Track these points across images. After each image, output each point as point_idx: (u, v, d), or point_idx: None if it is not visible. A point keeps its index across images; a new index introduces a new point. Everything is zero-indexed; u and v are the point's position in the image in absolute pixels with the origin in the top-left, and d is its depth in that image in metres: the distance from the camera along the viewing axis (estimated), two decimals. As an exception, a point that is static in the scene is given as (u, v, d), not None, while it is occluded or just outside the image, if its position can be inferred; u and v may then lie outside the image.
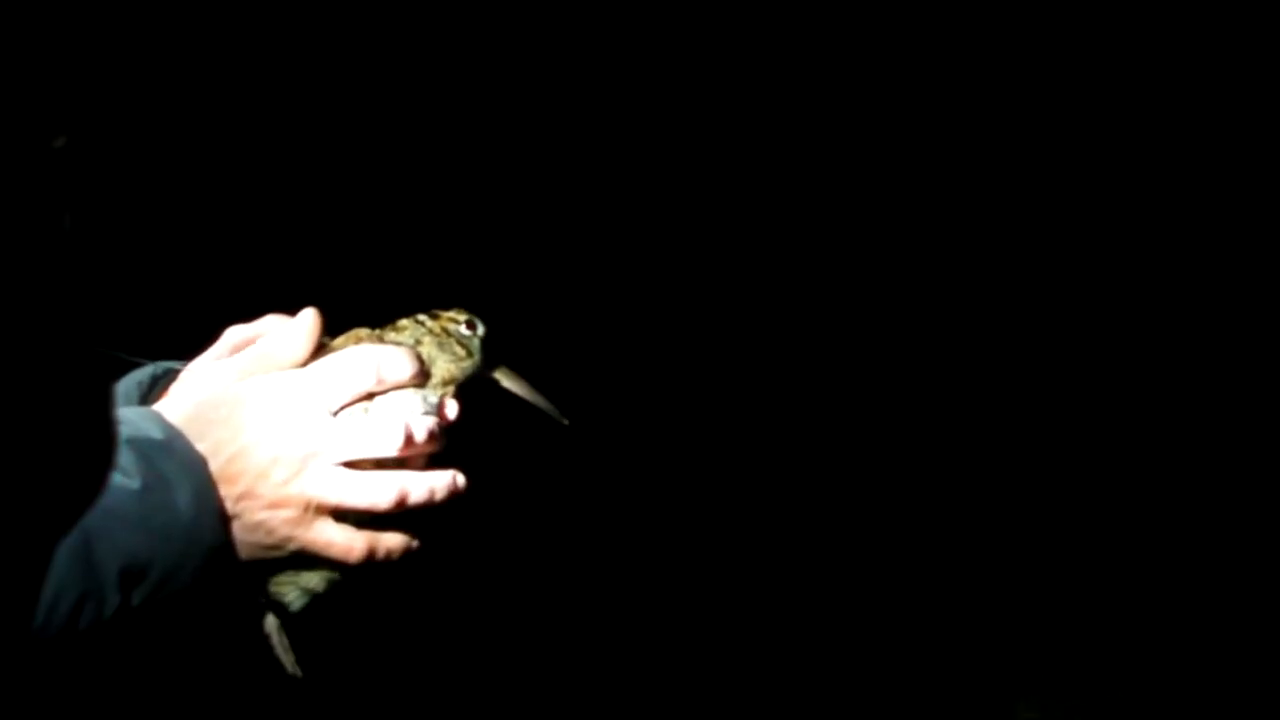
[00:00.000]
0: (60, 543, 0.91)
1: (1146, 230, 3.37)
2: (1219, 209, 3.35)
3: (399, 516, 1.16)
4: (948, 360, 3.42)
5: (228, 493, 1.10)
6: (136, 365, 1.24)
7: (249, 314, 1.22)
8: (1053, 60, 3.29)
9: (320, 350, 1.18)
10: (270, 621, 1.19)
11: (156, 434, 1.07)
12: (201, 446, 1.09)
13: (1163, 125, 3.31)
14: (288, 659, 1.19)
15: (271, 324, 1.19)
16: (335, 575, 1.18)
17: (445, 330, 1.23)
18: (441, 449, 1.19)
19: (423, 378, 1.19)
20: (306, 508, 1.13)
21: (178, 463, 1.06)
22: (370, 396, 1.16)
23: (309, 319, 1.18)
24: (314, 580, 1.17)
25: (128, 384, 1.25)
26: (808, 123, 3.33)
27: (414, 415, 1.16)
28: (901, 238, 3.42)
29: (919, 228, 3.42)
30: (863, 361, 3.42)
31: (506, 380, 1.28)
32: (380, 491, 1.14)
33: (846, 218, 3.40)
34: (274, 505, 1.12)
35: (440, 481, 1.17)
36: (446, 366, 1.22)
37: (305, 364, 1.17)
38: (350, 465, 1.14)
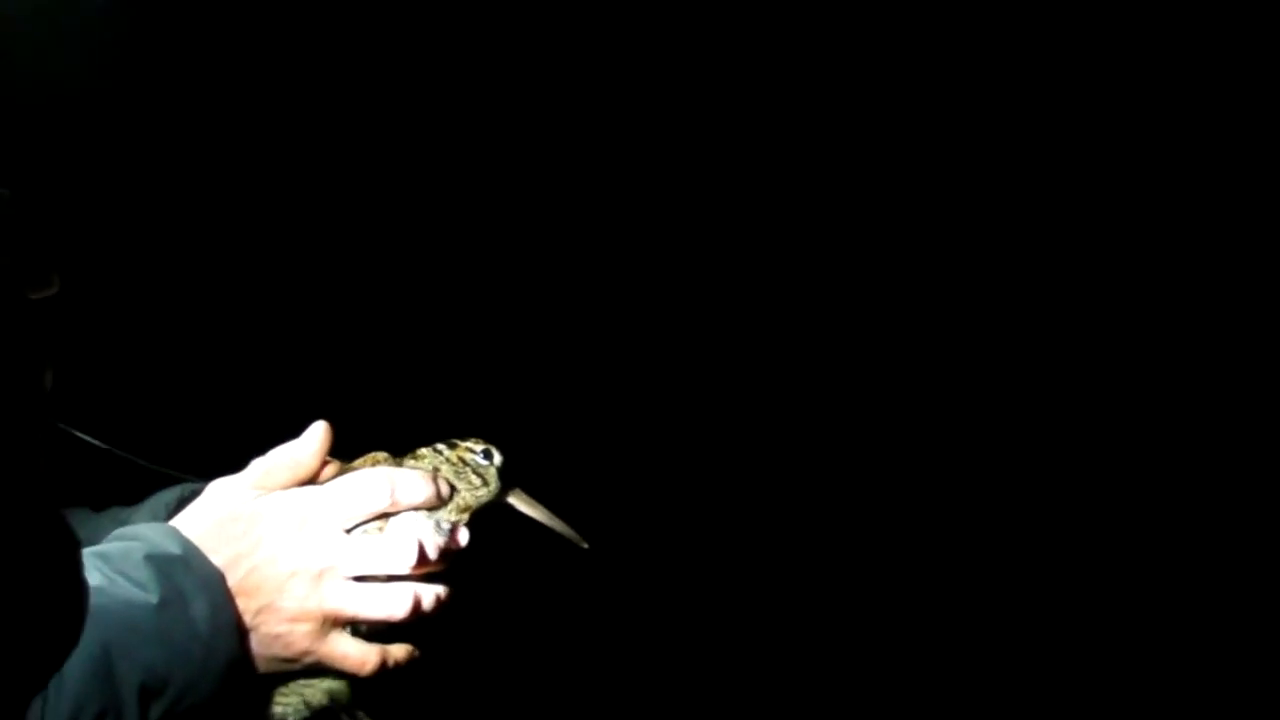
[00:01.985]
0: (33, 702, 0.94)
1: (1146, 230, 3.37)
2: (1219, 209, 3.34)
3: (407, 626, 1.19)
4: (948, 361, 3.40)
5: (245, 606, 1.13)
6: (177, 480, 1.28)
7: (279, 434, 1.26)
8: (1053, 60, 3.31)
9: (339, 472, 1.22)
10: None
11: (174, 549, 1.10)
12: (218, 560, 1.12)
13: (1163, 125, 3.32)
14: None
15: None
16: (339, 688, 1.20)
17: (462, 460, 1.26)
18: (445, 572, 1.22)
19: (439, 501, 1.22)
20: (325, 621, 1.16)
21: (195, 577, 1.09)
22: (386, 517, 1.19)
23: (319, 432, 1.22)
24: (317, 693, 1.20)
25: (155, 503, 1.29)
26: (808, 125, 3.35)
27: (427, 534, 1.20)
28: (901, 238, 3.42)
29: (919, 228, 3.42)
30: (863, 366, 3.41)
31: (525, 507, 1.31)
32: (396, 602, 1.17)
33: (846, 220, 3.40)
34: (294, 619, 1.15)
35: (442, 590, 1.21)
36: (463, 495, 1.25)
37: (323, 482, 1.21)
38: (361, 580, 1.17)
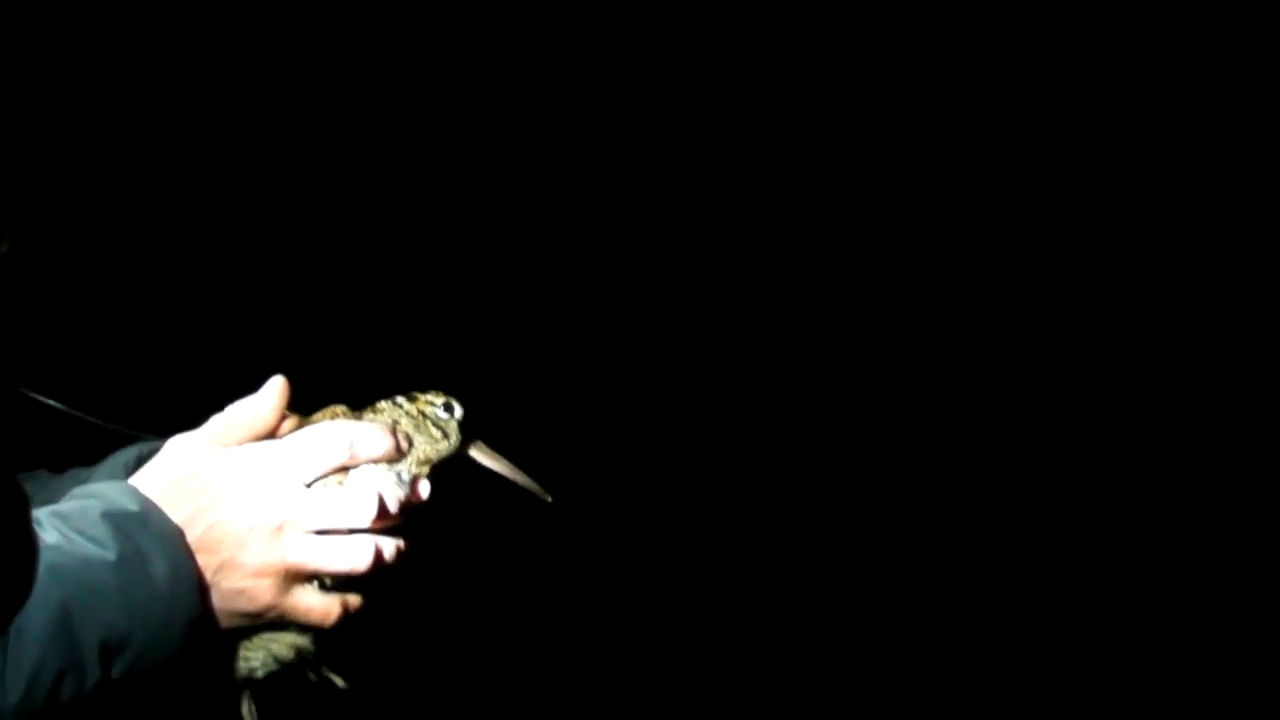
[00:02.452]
0: None
1: (1146, 231, 3.38)
2: (1219, 209, 3.36)
3: (368, 578, 1.19)
4: (950, 363, 3.42)
5: (206, 562, 1.12)
6: (135, 438, 1.27)
7: (236, 389, 1.25)
8: (1053, 60, 3.32)
9: (298, 426, 1.22)
10: (239, 690, 1.21)
11: (132, 506, 1.09)
12: (177, 517, 1.11)
13: (1163, 125, 3.33)
14: None
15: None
16: (304, 642, 1.20)
17: (422, 413, 1.25)
18: (406, 524, 1.22)
19: (398, 455, 1.22)
20: (286, 575, 1.15)
21: (154, 534, 1.08)
22: (345, 470, 1.19)
23: (276, 387, 1.21)
24: (282, 647, 1.20)
25: (114, 463, 1.28)
26: (808, 126, 3.35)
27: (387, 488, 1.19)
28: (902, 239, 3.43)
29: (919, 229, 3.43)
30: (866, 367, 3.42)
31: (487, 460, 1.30)
32: (357, 555, 1.17)
33: (846, 221, 3.41)
34: (256, 573, 1.14)
35: (403, 542, 1.21)
36: (423, 448, 1.24)
37: (281, 436, 1.20)
38: (321, 534, 1.17)
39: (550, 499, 1.30)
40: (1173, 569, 3.27)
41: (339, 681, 1.24)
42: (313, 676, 1.24)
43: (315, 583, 1.17)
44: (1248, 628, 3.18)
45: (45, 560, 1.01)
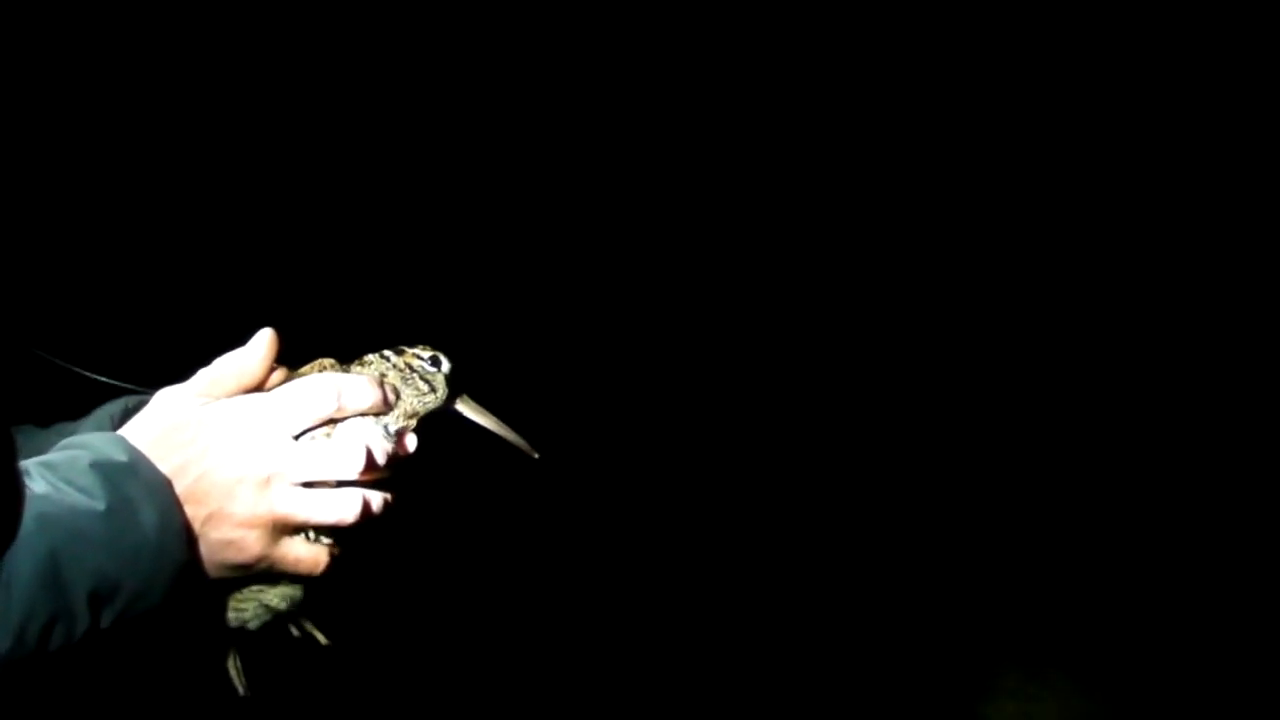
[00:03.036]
0: None
1: (1146, 231, 3.39)
2: (1219, 209, 3.37)
3: (355, 528, 1.20)
4: (948, 362, 3.43)
5: (194, 513, 1.13)
6: (123, 390, 1.27)
7: (225, 343, 1.25)
8: (1053, 60, 3.31)
9: (286, 379, 1.22)
10: (227, 642, 1.22)
11: (120, 457, 1.09)
12: (166, 468, 1.12)
13: (1163, 125, 3.33)
14: (240, 681, 1.22)
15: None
16: (294, 592, 1.21)
17: (409, 366, 1.26)
18: (392, 476, 1.23)
19: (385, 407, 1.22)
20: (276, 525, 1.16)
21: (142, 484, 1.09)
22: (333, 423, 1.19)
23: (265, 339, 1.22)
24: (274, 597, 1.21)
25: (101, 415, 1.29)
26: (808, 125, 3.35)
27: (374, 440, 1.20)
28: (902, 239, 3.43)
29: (919, 229, 3.43)
30: (863, 364, 3.43)
31: (473, 414, 1.31)
32: (345, 507, 1.18)
33: (846, 220, 3.41)
34: (245, 524, 1.15)
35: (389, 494, 1.22)
36: (410, 401, 1.25)
37: (270, 389, 1.21)
38: (309, 486, 1.18)
39: (536, 455, 1.31)
40: (1179, 553, 3.29)
41: (322, 639, 1.25)
42: (297, 632, 1.25)
43: (303, 534, 1.18)
44: (1253, 617, 3.19)
45: (34, 509, 1.02)
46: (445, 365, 1.28)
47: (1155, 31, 3.25)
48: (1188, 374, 3.39)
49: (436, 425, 1.30)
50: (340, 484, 1.18)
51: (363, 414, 1.20)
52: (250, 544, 1.15)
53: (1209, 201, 3.38)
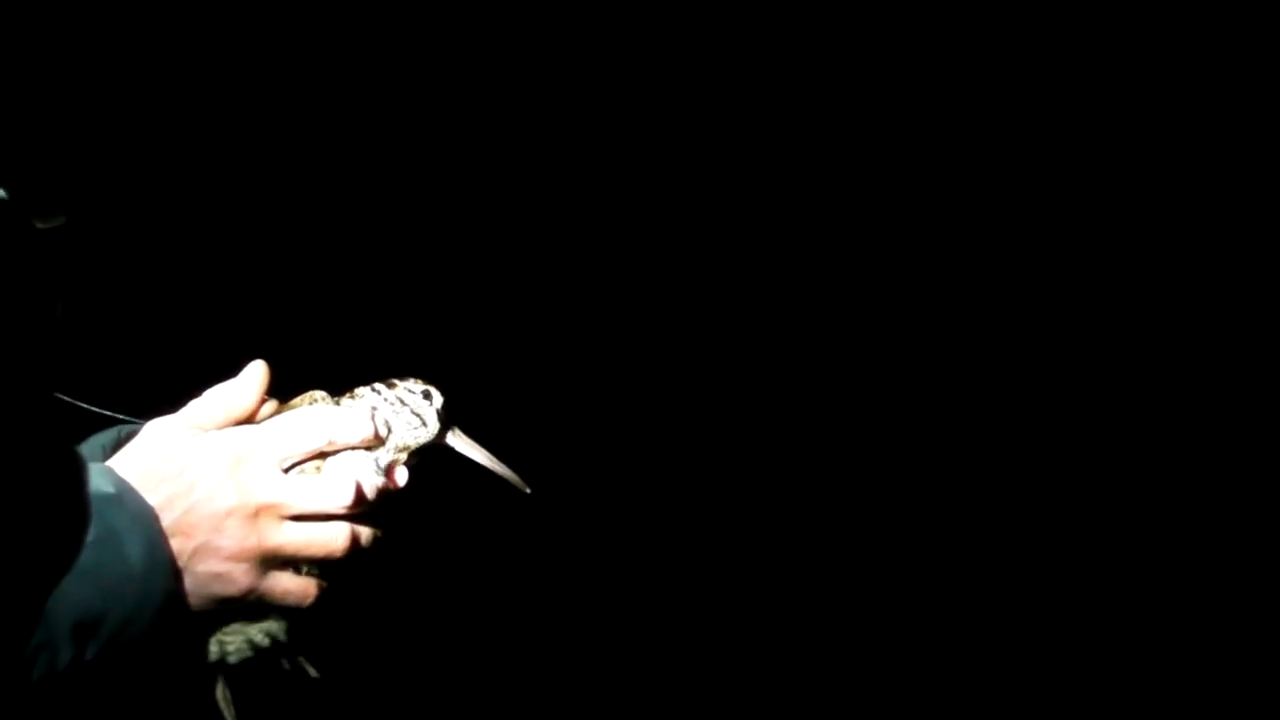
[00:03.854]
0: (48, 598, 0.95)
1: (1147, 230, 3.39)
2: (1219, 209, 3.37)
3: (344, 561, 1.20)
4: (948, 361, 3.42)
5: (181, 546, 1.12)
6: (113, 420, 1.27)
7: (216, 373, 1.25)
8: (1053, 60, 3.32)
9: (276, 411, 1.22)
10: (215, 675, 1.21)
11: (107, 488, 1.09)
12: (154, 500, 1.11)
13: (1163, 125, 3.34)
14: (229, 713, 1.21)
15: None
16: (281, 625, 1.21)
17: (401, 400, 1.26)
18: (382, 510, 1.23)
19: (376, 441, 1.22)
20: (264, 558, 1.16)
21: (129, 516, 1.08)
22: (323, 456, 1.19)
23: (256, 371, 1.21)
24: (260, 631, 1.20)
25: (92, 445, 1.28)
26: (808, 124, 3.35)
27: (365, 475, 1.20)
28: (901, 238, 3.43)
29: (919, 228, 3.43)
30: (864, 364, 3.43)
31: (465, 448, 1.31)
32: (334, 540, 1.18)
33: (847, 219, 3.41)
34: (233, 557, 1.15)
35: (379, 528, 1.22)
36: (401, 435, 1.25)
37: (259, 420, 1.21)
38: (298, 519, 1.17)
39: (529, 490, 1.31)
40: (1172, 568, 3.28)
41: (311, 671, 1.25)
42: (286, 665, 1.24)
43: (292, 566, 1.18)
44: (1250, 628, 3.19)
45: None
46: (437, 399, 1.28)
47: (1155, 32, 3.26)
48: (1191, 375, 3.39)
49: (427, 459, 1.29)
50: (329, 517, 1.18)
51: (354, 448, 1.20)
52: (238, 577, 1.15)
53: (1209, 201, 3.38)
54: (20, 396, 0.78)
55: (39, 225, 0.79)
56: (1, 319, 0.77)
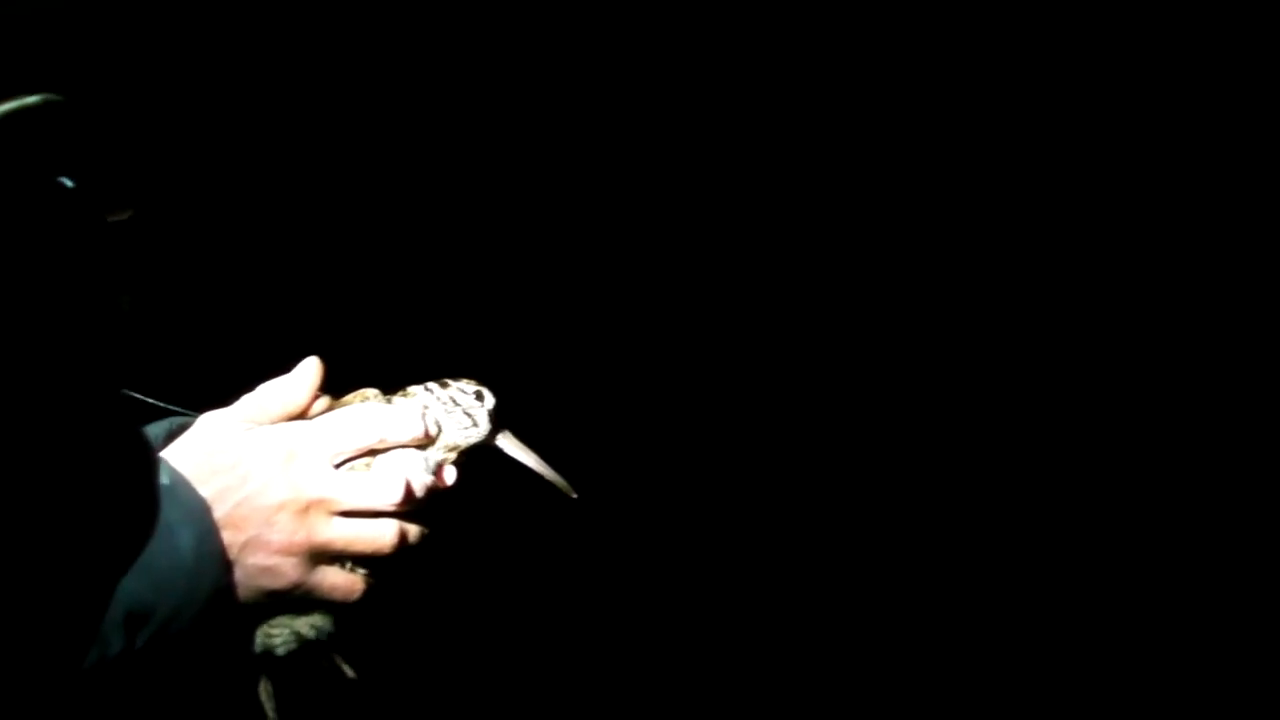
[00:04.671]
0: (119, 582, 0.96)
1: (1147, 230, 3.37)
2: (1219, 209, 3.34)
3: (391, 558, 1.20)
4: (949, 361, 3.41)
5: (232, 539, 1.13)
6: (167, 412, 1.28)
7: (263, 370, 1.26)
8: (1053, 60, 3.30)
9: (329, 407, 1.23)
10: (258, 668, 1.22)
11: (162, 479, 1.10)
12: (205, 492, 1.12)
13: (1163, 125, 3.31)
14: (270, 708, 1.22)
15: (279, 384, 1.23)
16: (326, 621, 1.21)
17: (453, 400, 1.26)
18: (430, 508, 1.23)
19: (427, 440, 1.22)
20: (313, 553, 1.17)
21: (180, 508, 1.09)
22: (374, 453, 1.20)
23: (310, 368, 1.22)
24: (305, 625, 1.21)
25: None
26: (808, 123, 3.34)
27: (415, 473, 1.20)
28: (902, 238, 3.42)
29: (919, 228, 3.42)
30: (871, 368, 3.42)
31: (514, 451, 1.31)
32: (383, 537, 1.19)
33: (847, 219, 3.40)
34: (282, 551, 1.16)
35: (426, 526, 1.23)
36: (451, 434, 1.25)
37: (312, 416, 1.21)
38: (347, 515, 1.18)
39: (575, 496, 1.31)
40: (1172, 569, 3.25)
41: (349, 671, 1.25)
42: (325, 663, 1.25)
43: (339, 562, 1.19)
44: (1255, 629, 3.15)
45: None
46: (489, 400, 1.28)
47: (1155, 32, 3.23)
48: (1191, 375, 3.35)
49: (476, 459, 1.30)
50: (379, 514, 1.18)
51: (404, 446, 1.21)
52: (287, 571, 1.16)
53: (1209, 201, 3.34)
54: (96, 389, 0.79)
55: (108, 219, 0.80)
56: (75, 312, 0.77)
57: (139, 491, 0.95)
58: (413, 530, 1.21)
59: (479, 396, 1.28)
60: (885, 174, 3.40)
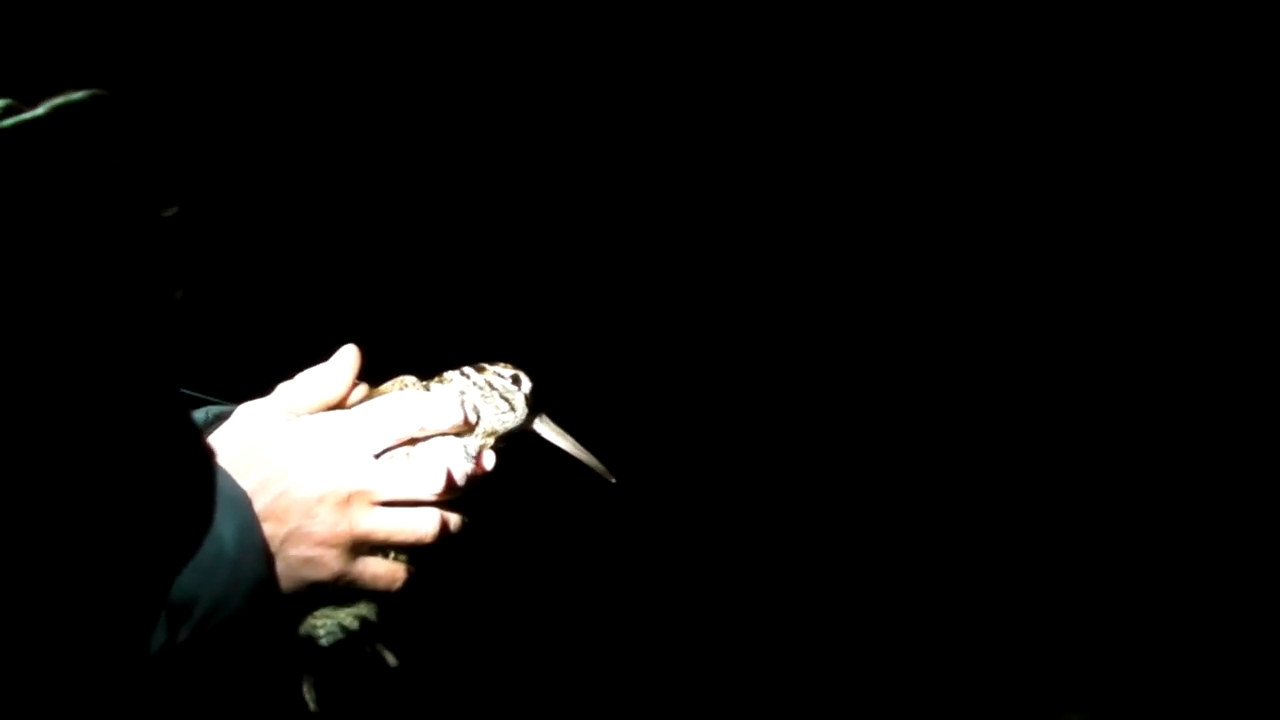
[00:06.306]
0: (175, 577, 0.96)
1: (1147, 230, 3.35)
2: (1219, 209, 3.32)
3: (433, 546, 1.19)
4: (950, 360, 3.39)
5: (273, 530, 1.12)
6: (204, 402, 1.28)
7: (301, 359, 1.25)
8: (1053, 60, 3.28)
9: (367, 396, 1.22)
10: (301, 660, 1.21)
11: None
12: (246, 484, 1.12)
13: (1163, 125, 3.29)
14: (311, 698, 1.22)
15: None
16: (369, 610, 1.20)
17: (490, 384, 1.25)
18: (470, 495, 1.22)
19: (466, 428, 1.21)
20: (355, 544, 1.16)
21: (223, 498, 1.08)
22: (413, 442, 1.19)
23: (348, 356, 1.21)
24: (348, 615, 1.20)
25: None
26: (808, 123, 3.33)
27: (455, 461, 1.19)
28: (902, 238, 3.41)
29: (919, 228, 3.41)
30: (889, 373, 3.41)
31: (552, 435, 1.30)
32: (425, 526, 1.18)
33: (849, 219, 3.39)
34: (324, 543, 1.15)
35: (465, 513, 1.22)
36: (489, 420, 1.24)
37: (350, 405, 1.21)
38: (387, 505, 1.17)
39: (614, 480, 1.29)
40: (1173, 569, 3.23)
41: (391, 659, 1.25)
42: (368, 650, 1.24)
43: (381, 552, 1.18)
44: (1271, 627, 3.13)
45: None
46: (526, 384, 1.27)
47: (1155, 32, 3.20)
48: (1191, 375, 3.33)
49: (514, 444, 1.29)
50: (420, 503, 1.17)
51: (444, 434, 1.20)
52: (329, 562, 1.15)
53: (1209, 202, 3.31)
54: (154, 383, 0.79)
55: (162, 214, 0.80)
56: (131, 305, 0.77)
57: (196, 485, 0.95)
58: (454, 519, 1.20)
59: (515, 380, 1.27)
60: (899, 168, 3.39)
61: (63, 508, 0.77)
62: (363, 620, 1.20)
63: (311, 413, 1.19)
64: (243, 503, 1.10)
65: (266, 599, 1.13)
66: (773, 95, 3.32)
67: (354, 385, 1.22)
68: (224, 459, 1.12)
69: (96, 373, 0.76)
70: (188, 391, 1.28)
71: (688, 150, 3.32)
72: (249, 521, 1.10)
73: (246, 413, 1.20)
